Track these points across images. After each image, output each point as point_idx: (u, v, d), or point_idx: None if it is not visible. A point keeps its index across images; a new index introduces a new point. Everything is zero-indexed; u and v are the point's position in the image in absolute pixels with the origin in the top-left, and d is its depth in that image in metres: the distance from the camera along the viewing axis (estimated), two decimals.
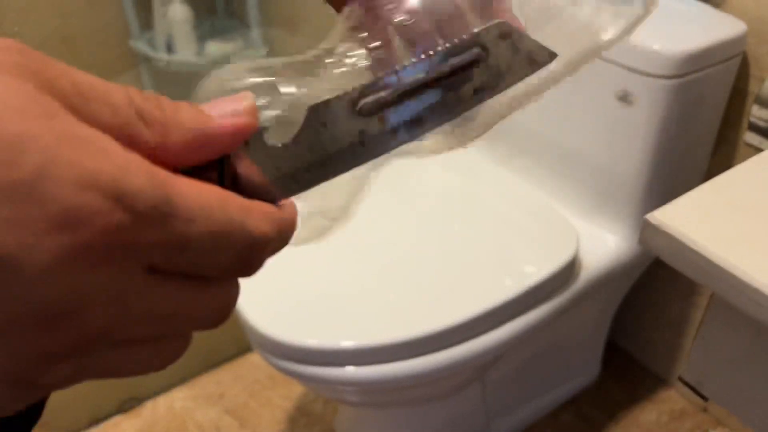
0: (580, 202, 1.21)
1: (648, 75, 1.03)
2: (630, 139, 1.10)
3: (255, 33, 1.76)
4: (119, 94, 0.21)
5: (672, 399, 1.45)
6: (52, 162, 0.17)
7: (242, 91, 0.24)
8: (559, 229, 1.15)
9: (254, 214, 0.22)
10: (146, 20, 1.71)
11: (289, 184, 0.24)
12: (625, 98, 1.07)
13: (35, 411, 0.57)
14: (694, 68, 1.03)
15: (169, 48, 1.71)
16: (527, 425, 1.41)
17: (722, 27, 1.06)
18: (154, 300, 0.20)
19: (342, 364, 1.00)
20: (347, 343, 0.99)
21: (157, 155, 0.21)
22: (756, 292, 0.50)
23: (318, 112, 0.24)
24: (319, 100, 0.24)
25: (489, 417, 1.33)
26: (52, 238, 0.17)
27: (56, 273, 0.18)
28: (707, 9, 1.10)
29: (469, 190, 1.25)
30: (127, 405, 1.44)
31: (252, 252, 0.22)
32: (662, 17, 1.09)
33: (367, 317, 1.02)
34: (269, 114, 0.30)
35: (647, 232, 0.55)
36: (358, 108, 0.24)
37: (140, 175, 0.19)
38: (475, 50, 0.25)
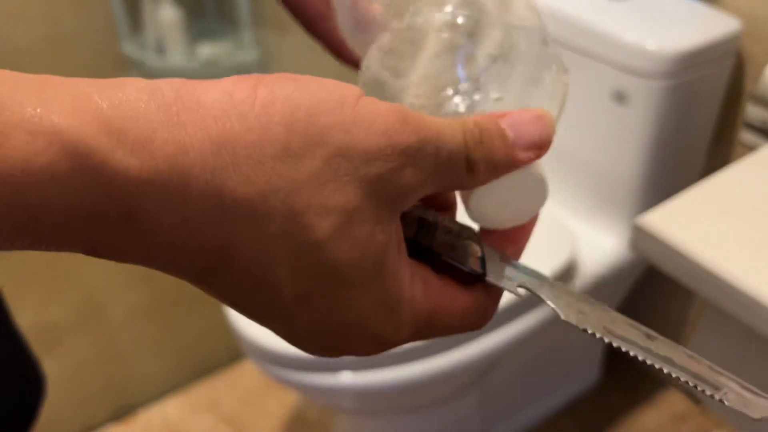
0: (576, 204, 1.20)
1: (642, 75, 1.02)
2: (624, 139, 1.09)
3: (246, 34, 1.75)
4: (456, 144, 0.24)
5: (672, 401, 1.44)
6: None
7: (542, 112, 0.27)
8: (554, 232, 1.13)
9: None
10: (136, 23, 1.69)
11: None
12: (619, 98, 1.06)
13: (28, 418, 0.56)
14: (688, 67, 1.02)
15: (160, 51, 1.69)
16: (526, 431, 1.40)
17: (716, 25, 1.05)
18: None
19: (338, 370, 0.99)
20: None
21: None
22: (745, 296, 0.49)
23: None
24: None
25: (487, 423, 1.32)
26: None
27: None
28: (701, 7, 1.09)
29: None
30: (120, 413, 1.43)
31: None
32: (656, 16, 1.08)
33: None
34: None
35: (637, 236, 0.54)
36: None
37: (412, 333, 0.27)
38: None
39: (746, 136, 1.08)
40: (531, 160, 0.26)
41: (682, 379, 0.26)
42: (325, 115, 0.22)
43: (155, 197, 0.20)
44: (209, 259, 0.22)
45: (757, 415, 0.25)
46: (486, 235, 0.29)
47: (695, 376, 0.26)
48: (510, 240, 0.29)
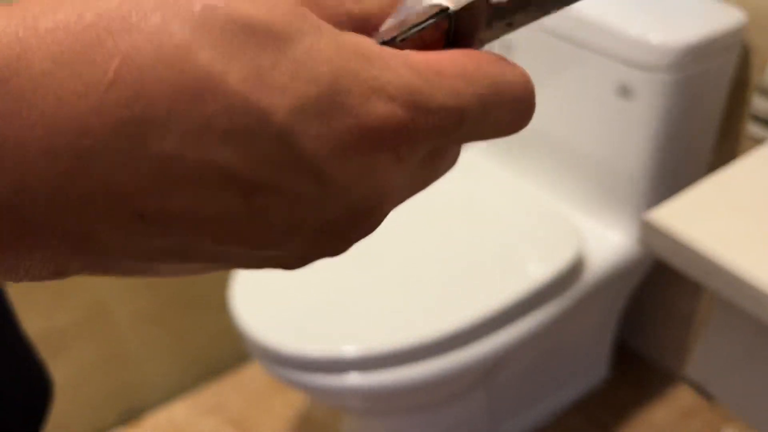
0: (583, 200, 1.20)
1: (646, 68, 1.01)
2: (630, 134, 1.09)
3: None
4: None
5: (682, 396, 1.44)
6: (341, 75, 0.18)
7: None
8: (561, 228, 1.13)
9: (507, 67, 0.22)
10: None
11: (501, 29, 0.23)
12: (624, 92, 1.05)
13: (36, 423, 0.56)
14: (693, 60, 1.01)
15: None
16: (534, 428, 1.39)
17: (721, 18, 1.04)
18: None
19: (344, 371, 0.99)
20: (349, 349, 0.97)
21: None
22: (754, 289, 0.48)
23: None
24: None
25: (495, 420, 1.32)
26: (360, 149, 0.19)
27: (359, 172, 0.19)
28: (706, 0, 1.08)
29: (468, 191, 1.23)
30: (127, 416, 1.43)
31: (524, 102, 0.23)
32: (660, 9, 1.07)
33: (368, 322, 1.01)
34: None
35: (645, 231, 0.54)
36: None
37: (411, 76, 0.19)
38: None
39: (753, 128, 1.08)
40: None
41: None
42: None
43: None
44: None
45: None
46: None
47: None
48: None
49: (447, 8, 0.21)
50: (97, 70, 0.16)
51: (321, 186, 0.19)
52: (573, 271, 1.09)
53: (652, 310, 1.47)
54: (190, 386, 1.48)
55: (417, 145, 0.20)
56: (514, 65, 0.22)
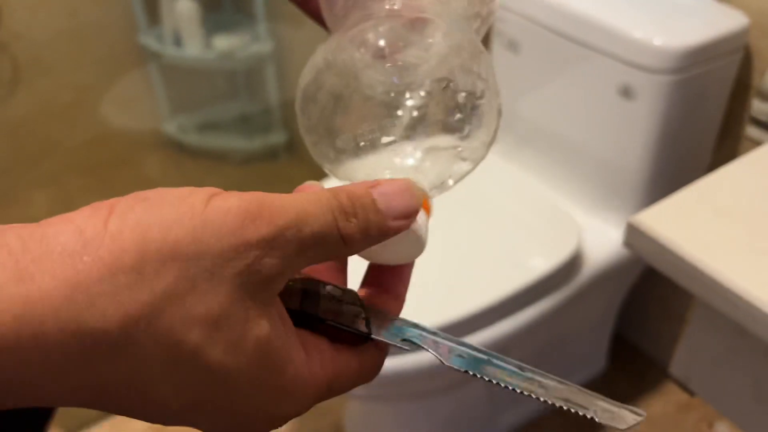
0: (584, 197, 1.22)
1: (649, 70, 1.03)
2: (632, 133, 1.10)
3: (262, 27, 1.77)
4: (327, 229, 0.25)
5: (678, 391, 1.46)
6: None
7: (409, 183, 0.28)
8: (562, 223, 1.15)
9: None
10: (154, 15, 1.72)
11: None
12: (626, 93, 1.07)
13: (45, 415, 0.58)
14: (695, 63, 1.03)
15: (177, 43, 1.72)
16: (533, 418, 1.42)
17: (724, 20, 1.06)
18: None
19: None
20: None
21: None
22: (732, 294, 0.51)
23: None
24: None
25: (495, 410, 1.34)
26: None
27: None
28: (709, 2, 1.10)
29: (472, 184, 1.25)
30: None
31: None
32: (663, 11, 1.09)
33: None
34: None
35: (630, 234, 0.56)
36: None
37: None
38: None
39: (752, 131, 1.09)
40: (401, 228, 0.27)
41: (557, 405, 0.29)
42: (174, 230, 0.22)
43: (10, 360, 0.21)
44: (89, 395, 0.23)
45: (623, 426, 0.28)
46: (374, 272, 0.32)
47: (566, 400, 0.29)
48: (396, 275, 0.32)
49: (369, 334, 0.29)
50: None
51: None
52: (573, 265, 1.12)
53: (650, 305, 1.49)
54: None
55: None
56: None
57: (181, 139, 1.90)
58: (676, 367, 0.66)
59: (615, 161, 1.15)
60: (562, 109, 1.20)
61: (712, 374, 0.63)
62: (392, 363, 1.01)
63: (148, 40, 1.74)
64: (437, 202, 1.15)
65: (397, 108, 0.30)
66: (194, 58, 1.73)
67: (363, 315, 0.29)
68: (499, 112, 0.32)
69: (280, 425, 0.27)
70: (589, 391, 0.29)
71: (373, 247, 0.28)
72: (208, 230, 0.23)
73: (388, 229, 0.27)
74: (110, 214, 0.22)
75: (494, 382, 0.29)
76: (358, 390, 1.16)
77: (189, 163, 1.94)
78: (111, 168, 1.74)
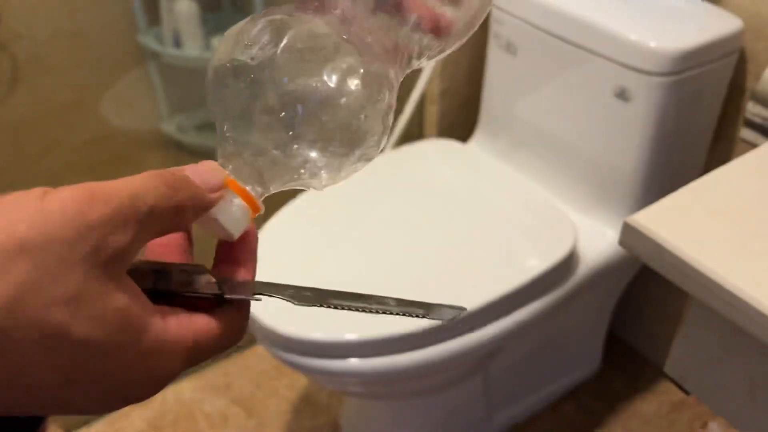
0: (580, 197, 1.23)
1: (645, 72, 1.04)
2: (627, 135, 1.11)
3: None
4: (162, 201, 0.28)
5: (672, 390, 1.47)
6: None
7: (211, 163, 0.33)
8: (558, 223, 1.16)
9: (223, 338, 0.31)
10: (153, 16, 1.73)
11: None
12: (622, 95, 1.08)
13: None
14: (690, 65, 1.04)
15: (177, 43, 1.73)
16: (528, 417, 1.43)
17: (719, 24, 1.07)
18: None
19: (345, 357, 1.02)
20: (350, 335, 1.00)
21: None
22: (727, 293, 0.52)
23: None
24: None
25: (490, 409, 1.35)
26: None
27: None
28: (704, 6, 1.11)
29: (469, 184, 1.26)
30: None
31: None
32: (659, 14, 1.10)
33: None
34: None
35: (626, 234, 0.57)
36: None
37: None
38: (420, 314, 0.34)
39: (747, 133, 1.10)
40: (215, 199, 0.31)
41: (394, 312, 0.34)
42: (17, 227, 0.24)
43: None
44: None
45: (448, 317, 0.33)
46: (222, 248, 0.34)
47: (401, 304, 0.34)
48: (240, 246, 0.34)
49: (222, 294, 0.31)
50: None
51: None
52: (568, 265, 1.13)
53: (646, 304, 1.50)
54: (199, 367, 1.52)
55: None
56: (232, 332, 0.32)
57: (181, 138, 1.91)
58: (671, 366, 0.67)
59: (610, 162, 1.16)
60: (559, 111, 1.21)
61: (707, 373, 0.64)
62: (388, 361, 1.02)
63: (148, 40, 1.74)
64: (440, 203, 1.15)
65: (249, 104, 0.34)
66: (194, 58, 1.74)
67: (214, 281, 0.31)
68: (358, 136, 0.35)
69: (162, 387, 0.29)
70: (421, 302, 0.34)
71: (204, 220, 0.32)
72: (49, 221, 0.24)
73: (209, 200, 0.31)
74: None
75: (339, 308, 0.34)
76: (355, 387, 1.17)
77: (188, 163, 1.94)
78: (110, 167, 1.74)
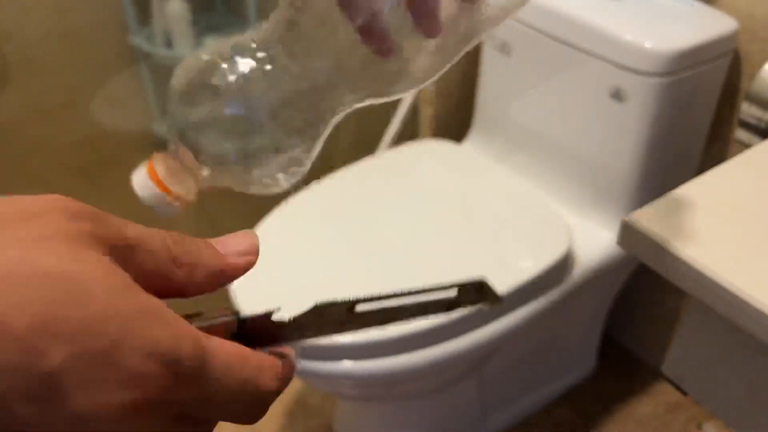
0: (575, 198, 1.22)
1: (639, 72, 1.04)
2: (622, 135, 1.11)
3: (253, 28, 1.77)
4: (157, 242, 0.26)
5: (667, 391, 1.47)
6: (127, 335, 0.22)
7: (247, 230, 0.30)
8: (553, 224, 1.16)
9: (265, 372, 0.27)
10: (145, 16, 1.72)
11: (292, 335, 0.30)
12: (617, 95, 1.08)
13: None
14: (685, 66, 1.04)
15: (168, 44, 1.72)
16: (523, 419, 1.42)
17: (714, 24, 1.07)
18: None
19: (338, 359, 1.02)
20: (343, 337, 1.00)
21: (186, 289, 0.27)
22: (726, 292, 0.51)
23: (321, 309, 0.31)
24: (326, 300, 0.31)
25: (485, 411, 1.35)
26: (119, 397, 0.22)
27: (117, 423, 0.22)
28: (699, 6, 1.11)
29: (463, 185, 1.26)
30: None
31: (259, 405, 0.27)
32: (654, 15, 1.10)
33: None
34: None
35: (624, 233, 0.57)
36: (354, 311, 0.31)
37: (188, 343, 0.23)
38: (453, 295, 0.31)
39: (741, 133, 1.10)
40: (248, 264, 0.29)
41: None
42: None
43: None
44: None
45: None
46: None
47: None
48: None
49: (238, 313, 0.29)
50: None
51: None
52: (564, 266, 1.12)
53: (640, 306, 1.50)
54: None
55: (168, 406, 0.23)
56: (271, 370, 0.27)
57: None
58: (668, 367, 0.66)
59: (605, 163, 1.16)
60: (554, 111, 1.21)
61: (705, 373, 0.64)
62: (382, 363, 1.02)
63: (139, 41, 1.73)
64: (435, 204, 1.14)
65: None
66: (185, 59, 1.73)
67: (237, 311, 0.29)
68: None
69: (161, 359, 0.23)
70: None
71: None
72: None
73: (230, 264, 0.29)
74: None
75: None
76: (349, 390, 1.16)
77: None
78: (101, 168, 1.73)
